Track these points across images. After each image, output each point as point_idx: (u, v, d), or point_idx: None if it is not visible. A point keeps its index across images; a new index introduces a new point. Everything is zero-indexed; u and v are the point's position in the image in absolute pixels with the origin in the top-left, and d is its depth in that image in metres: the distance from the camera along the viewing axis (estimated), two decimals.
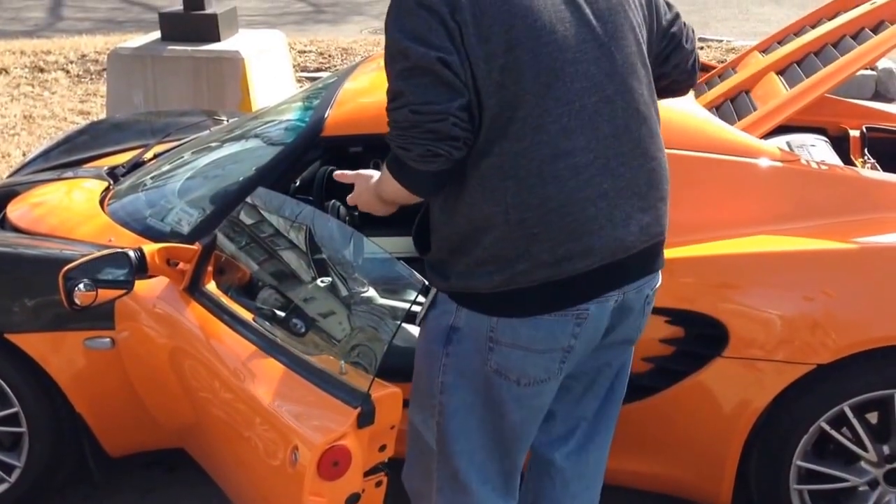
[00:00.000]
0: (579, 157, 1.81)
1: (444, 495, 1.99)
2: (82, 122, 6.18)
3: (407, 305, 1.93)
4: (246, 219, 2.39)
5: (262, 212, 2.33)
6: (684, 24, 2.08)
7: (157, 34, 5.92)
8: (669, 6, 2.06)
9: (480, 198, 1.80)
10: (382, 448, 1.92)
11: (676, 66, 2.07)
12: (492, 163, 1.79)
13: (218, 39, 5.71)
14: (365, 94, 2.94)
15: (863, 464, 2.45)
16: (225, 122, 3.82)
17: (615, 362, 2.08)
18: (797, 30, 3.28)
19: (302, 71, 7.40)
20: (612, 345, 2.00)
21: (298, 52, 7.87)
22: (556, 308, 1.85)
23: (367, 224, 2.76)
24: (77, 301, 2.17)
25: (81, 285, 2.16)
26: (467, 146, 1.77)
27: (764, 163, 2.49)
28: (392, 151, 1.81)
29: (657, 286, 2.02)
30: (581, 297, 1.86)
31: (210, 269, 2.36)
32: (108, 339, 2.59)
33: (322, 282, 2.07)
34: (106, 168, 3.39)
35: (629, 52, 1.89)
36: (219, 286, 2.36)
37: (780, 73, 2.94)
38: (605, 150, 1.84)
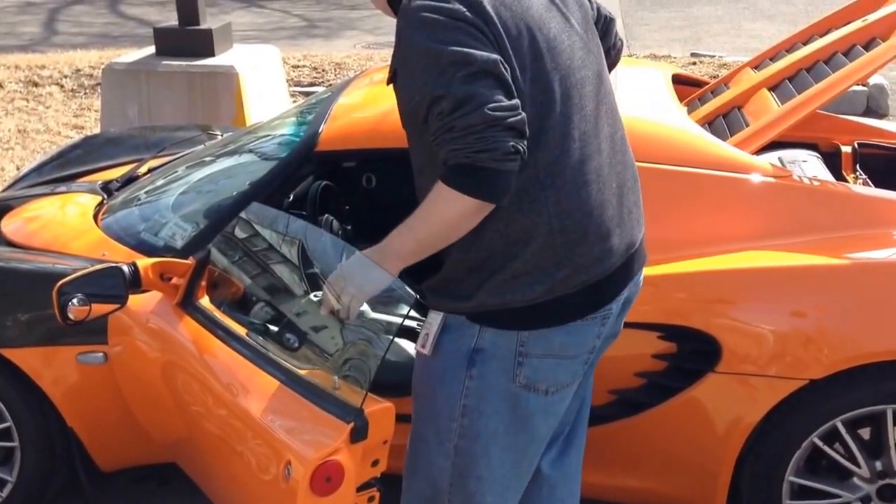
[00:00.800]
0: (597, 159, 1.87)
1: None
2: (76, 136, 6.18)
3: (399, 319, 1.93)
4: (240, 233, 2.39)
5: (255, 226, 2.33)
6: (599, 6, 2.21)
7: (151, 49, 5.93)
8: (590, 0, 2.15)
9: (517, 211, 1.79)
10: (375, 463, 1.91)
11: (613, 45, 2.21)
12: (528, 175, 1.79)
13: (212, 54, 5.72)
14: (359, 109, 2.95)
15: (855, 479, 2.45)
16: (219, 137, 3.82)
17: (596, 361, 2.11)
18: (789, 46, 3.30)
19: (296, 86, 7.41)
20: (605, 339, 2.03)
21: (292, 66, 7.89)
22: (591, 311, 1.88)
23: (359, 238, 2.76)
24: (71, 316, 2.17)
25: (75, 300, 2.16)
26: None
27: (756, 178, 2.50)
28: (454, 166, 1.70)
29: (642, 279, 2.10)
30: (609, 297, 1.91)
31: (203, 283, 2.36)
32: (101, 354, 2.58)
33: (315, 296, 2.07)
34: (100, 183, 3.38)
35: (602, 57, 1.99)
36: (212, 301, 2.36)
37: (773, 89, 2.96)
38: (608, 151, 1.92)
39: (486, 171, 1.69)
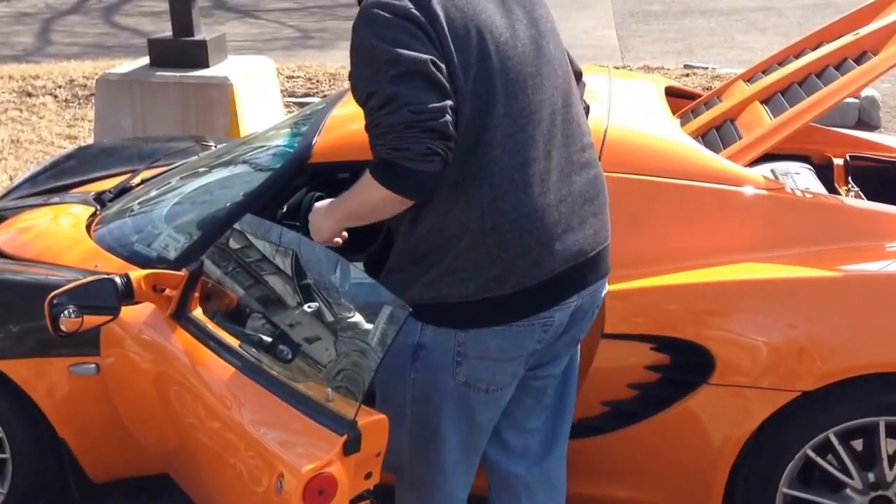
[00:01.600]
0: (543, 164, 1.91)
1: (418, 493, 2.12)
2: (70, 146, 6.17)
3: (394, 332, 1.92)
4: (233, 245, 2.39)
5: (249, 238, 2.33)
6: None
7: (145, 60, 5.93)
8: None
9: (454, 205, 1.86)
10: (368, 475, 1.91)
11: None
12: (466, 170, 1.85)
13: (207, 65, 5.72)
14: (353, 120, 2.94)
15: (848, 491, 2.45)
16: (213, 148, 3.82)
17: (556, 370, 2.16)
18: (781, 60, 3.31)
19: (290, 96, 7.41)
20: (561, 345, 2.08)
21: (286, 77, 7.89)
22: (526, 315, 1.92)
23: (353, 250, 2.76)
24: (63, 327, 2.16)
25: (67, 311, 2.15)
26: (454, 150, 1.82)
27: (749, 191, 2.51)
28: (378, 159, 1.81)
29: (606, 292, 2.12)
30: (549, 302, 1.94)
31: (197, 295, 2.36)
32: (93, 366, 2.57)
33: (308, 307, 2.07)
34: (93, 193, 3.38)
35: (566, 70, 2.04)
36: (205, 312, 2.35)
37: (765, 102, 2.97)
38: (561, 158, 1.96)
39: (402, 168, 1.78)
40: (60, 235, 3.07)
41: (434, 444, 2.06)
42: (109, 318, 2.25)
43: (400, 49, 1.77)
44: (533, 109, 1.91)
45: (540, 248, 1.90)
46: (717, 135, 2.91)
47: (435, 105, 1.76)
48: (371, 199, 1.88)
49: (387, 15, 1.79)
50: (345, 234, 2.14)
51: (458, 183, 1.85)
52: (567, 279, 1.96)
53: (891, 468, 2.41)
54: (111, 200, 3.28)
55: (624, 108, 2.83)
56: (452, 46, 1.82)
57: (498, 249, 1.87)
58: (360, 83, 1.82)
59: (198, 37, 5.79)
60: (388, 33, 1.78)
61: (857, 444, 2.46)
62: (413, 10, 1.80)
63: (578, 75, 2.21)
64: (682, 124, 3.04)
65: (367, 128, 1.81)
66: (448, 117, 1.77)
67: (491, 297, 1.89)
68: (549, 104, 1.95)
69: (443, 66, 1.79)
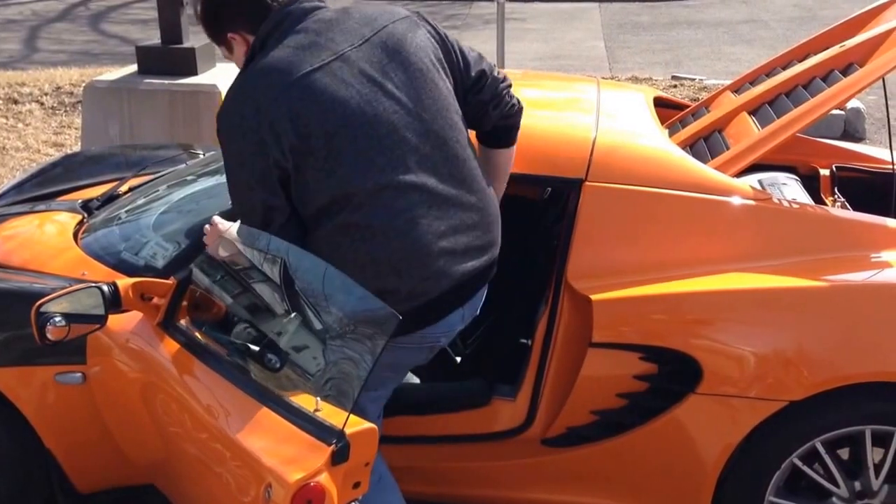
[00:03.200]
0: (415, 210, 2.11)
1: None
2: (56, 154, 6.15)
3: (383, 340, 1.92)
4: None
5: (237, 246, 2.32)
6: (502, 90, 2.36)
7: (133, 67, 5.92)
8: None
9: (336, 254, 2.07)
10: (356, 485, 1.90)
11: (496, 101, 2.35)
12: (337, 228, 2.09)
13: (195, 73, 5.72)
14: None
15: (835, 500, 2.46)
16: (201, 156, 3.81)
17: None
18: (769, 71, 3.33)
19: None
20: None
21: None
22: (410, 330, 2.12)
23: None
24: (49, 336, 2.15)
25: (54, 320, 2.14)
26: (303, 228, 2.14)
27: (736, 201, 2.52)
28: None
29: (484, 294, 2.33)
30: (433, 318, 2.18)
31: (185, 303, 2.35)
32: (79, 374, 2.56)
33: (297, 316, 2.06)
34: (80, 201, 3.36)
35: (439, 108, 2.18)
36: (193, 321, 2.34)
37: (753, 112, 2.98)
38: (436, 197, 2.14)
39: None
40: (47, 243, 3.05)
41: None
42: (96, 326, 2.25)
43: (243, 178, 2.15)
44: (395, 166, 2.10)
45: (423, 280, 2.12)
46: (705, 145, 2.92)
47: (262, 241, 2.10)
48: None
49: (236, 119, 2.12)
50: None
51: (332, 236, 2.10)
52: (453, 296, 2.18)
53: (877, 477, 2.43)
54: (98, 208, 3.26)
55: (612, 119, 2.84)
56: (296, 138, 2.05)
57: (382, 285, 2.08)
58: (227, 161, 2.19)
59: (186, 44, 5.79)
60: (235, 145, 2.13)
61: (844, 453, 2.47)
62: (254, 125, 2.07)
63: (496, 80, 2.32)
64: (671, 134, 3.05)
65: None
66: (264, 216, 2.13)
67: None
68: (414, 153, 2.12)
69: (276, 168, 2.08)
